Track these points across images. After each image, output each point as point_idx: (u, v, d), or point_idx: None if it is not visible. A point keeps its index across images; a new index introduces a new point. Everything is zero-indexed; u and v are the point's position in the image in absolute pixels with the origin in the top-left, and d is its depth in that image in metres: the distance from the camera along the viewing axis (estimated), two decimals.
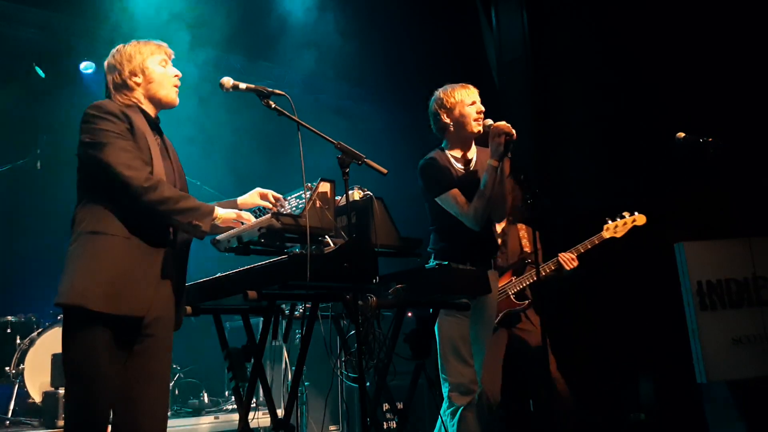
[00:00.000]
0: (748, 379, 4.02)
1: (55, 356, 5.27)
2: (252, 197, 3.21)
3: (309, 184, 2.92)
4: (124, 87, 2.86)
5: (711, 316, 4.08)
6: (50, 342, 5.41)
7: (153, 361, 2.77)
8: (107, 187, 2.66)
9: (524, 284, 4.13)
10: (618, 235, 4.24)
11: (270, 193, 3.20)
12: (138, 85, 2.86)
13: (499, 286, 4.06)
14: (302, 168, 2.80)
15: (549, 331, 3.35)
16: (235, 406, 5.53)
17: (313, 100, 8.12)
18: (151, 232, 2.72)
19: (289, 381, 4.88)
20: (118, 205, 2.66)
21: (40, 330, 5.52)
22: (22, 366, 5.30)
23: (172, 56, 2.99)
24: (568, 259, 4.18)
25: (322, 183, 2.94)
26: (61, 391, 4.94)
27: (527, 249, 4.29)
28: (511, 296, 4.11)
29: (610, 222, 4.26)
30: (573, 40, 5.99)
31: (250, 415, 3.25)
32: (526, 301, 4.12)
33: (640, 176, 4.97)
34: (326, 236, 2.91)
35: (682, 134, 4.02)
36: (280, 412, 3.23)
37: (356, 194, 3.15)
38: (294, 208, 3.00)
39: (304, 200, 2.90)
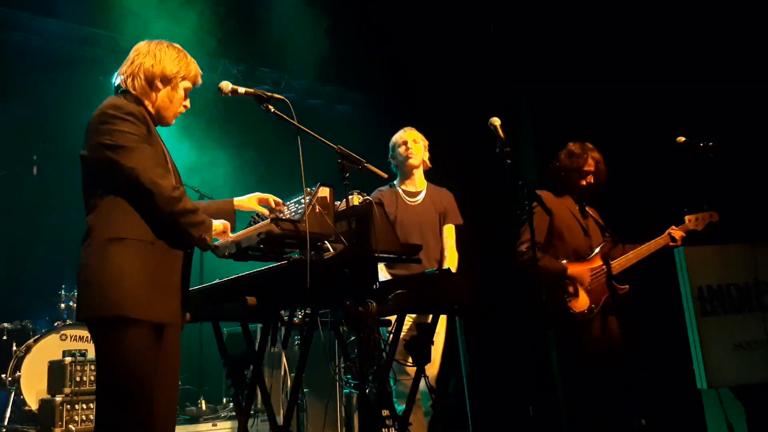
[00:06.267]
0: (750, 385, 4.00)
1: (51, 363, 5.23)
2: (250, 201, 3.13)
3: (308, 189, 2.90)
4: (149, 84, 2.71)
5: (712, 321, 4.05)
6: (47, 349, 5.38)
7: (166, 368, 2.71)
8: (128, 192, 2.55)
9: (626, 266, 4.05)
10: (699, 228, 4.14)
11: (270, 197, 3.13)
12: (158, 90, 2.73)
13: (591, 269, 4.00)
14: (302, 173, 2.78)
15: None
16: (232, 413, 5.49)
17: (312, 105, 8.13)
18: (172, 237, 2.64)
19: (288, 387, 4.85)
20: (139, 209, 2.56)
21: (36, 337, 5.49)
22: (18, 373, 5.27)
23: (196, 86, 2.87)
24: (680, 236, 4.11)
25: (321, 188, 2.92)
26: (58, 398, 4.91)
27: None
28: (612, 281, 3.99)
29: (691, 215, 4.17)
30: (573, 43, 5.99)
31: (249, 422, 3.22)
32: (627, 286, 4.03)
33: (640, 181, 4.97)
34: (326, 242, 2.89)
35: (682, 138, 4.02)
36: (279, 419, 3.20)
37: (356, 199, 3.13)
38: (293, 214, 2.98)
39: (303, 205, 2.88)
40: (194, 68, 2.82)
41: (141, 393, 2.49)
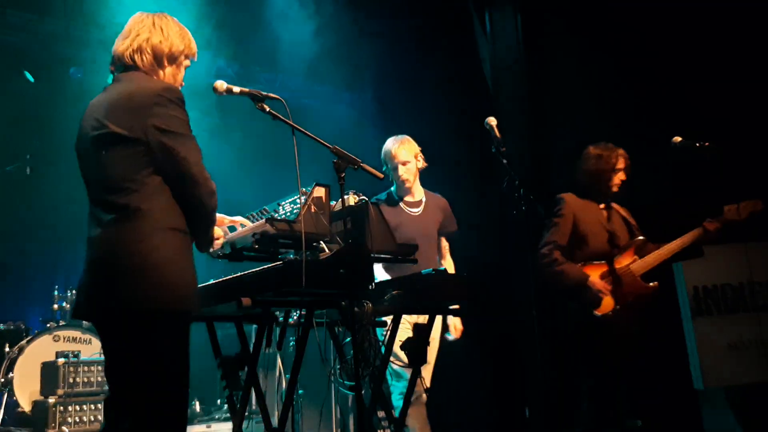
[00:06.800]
0: (745, 385, 4.01)
1: (44, 365, 5.21)
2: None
3: (304, 189, 2.89)
4: (157, 62, 2.58)
5: (707, 321, 4.07)
6: (40, 350, 5.36)
7: None
8: (172, 179, 2.42)
9: (654, 264, 3.94)
10: (740, 218, 3.93)
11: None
12: (164, 68, 2.61)
13: (614, 269, 3.94)
14: (297, 172, 2.77)
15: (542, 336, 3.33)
16: (226, 415, 5.48)
17: (308, 104, 8.11)
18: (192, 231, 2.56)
19: (283, 389, 4.84)
20: (178, 198, 2.44)
21: (29, 338, 5.47)
22: (11, 374, 5.24)
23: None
24: (715, 228, 3.92)
25: (317, 188, 2.91)
26: (51, 400, 4.88)
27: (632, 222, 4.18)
28: (639, 279, 3.92)
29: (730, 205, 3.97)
30: (567, 44, 5.99)
31: (244, 423, 3.21)
32: (656, 282, 3.92)
33: (636, 181, 4.97)
34: (321, 242, 2.88)
35: (678, 138, 4.01)
36: (274, 421, 3.19)
37: (351, 199, 3.12)
38: (289, 213, 2.97)
39: (299, 205, 2.87)
40: (194, 45, 2.71)
41: (187, 384, 2.44)
